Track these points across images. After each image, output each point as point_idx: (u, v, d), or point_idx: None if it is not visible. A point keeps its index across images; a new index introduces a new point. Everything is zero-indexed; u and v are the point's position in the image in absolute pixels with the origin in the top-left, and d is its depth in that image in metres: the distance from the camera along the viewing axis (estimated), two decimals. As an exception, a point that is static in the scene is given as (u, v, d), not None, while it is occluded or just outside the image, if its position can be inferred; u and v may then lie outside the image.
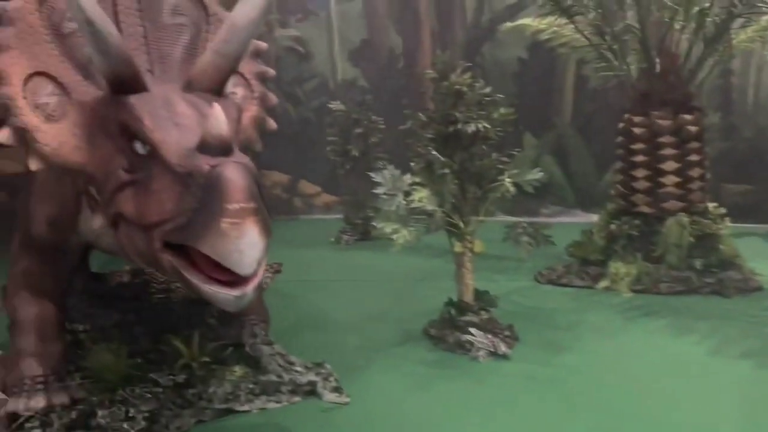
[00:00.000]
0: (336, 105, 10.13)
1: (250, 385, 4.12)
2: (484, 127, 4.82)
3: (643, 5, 6.59)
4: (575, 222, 10.45)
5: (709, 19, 6.37)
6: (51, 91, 3.02)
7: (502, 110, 5.03)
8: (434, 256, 7.78)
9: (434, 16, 12.59)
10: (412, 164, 5.10)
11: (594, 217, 8.30)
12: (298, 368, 4.37)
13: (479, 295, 5.15)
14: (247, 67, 3.74)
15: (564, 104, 12.04)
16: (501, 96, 5.15)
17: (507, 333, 5.01)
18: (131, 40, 3.27)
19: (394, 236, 4.77)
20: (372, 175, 4.92)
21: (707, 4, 6.33)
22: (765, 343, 4.98)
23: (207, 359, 4.21)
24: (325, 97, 12.30)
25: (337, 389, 4.14)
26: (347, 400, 4.02)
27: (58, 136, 2.92)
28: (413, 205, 4.65)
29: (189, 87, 2.97)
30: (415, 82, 12.25)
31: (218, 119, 2.43)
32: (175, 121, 2.68)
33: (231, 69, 3.03)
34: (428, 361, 4.74)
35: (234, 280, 2.49)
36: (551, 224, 8.91)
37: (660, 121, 6.72)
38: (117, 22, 3.27)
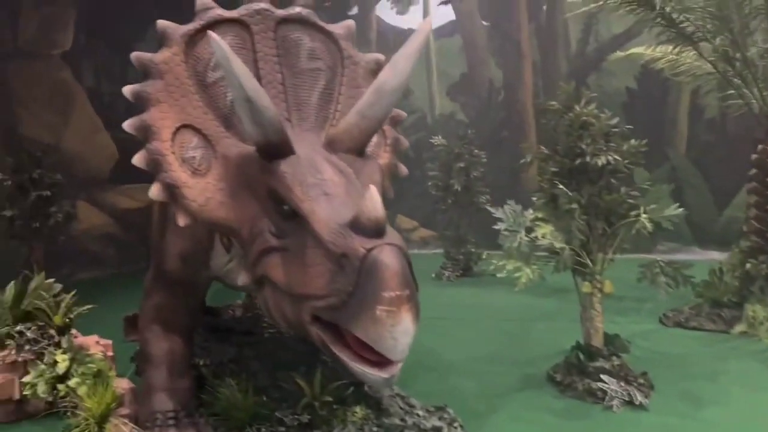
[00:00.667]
0: (438, 140, 10.09)
1: (374, 428, 3.99)
2: (615, 159, 4.55)
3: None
4: (692, 260, 9.77)
5: None
6: (196, 144, 3.07)
7: (633, 142, 4.76)
8: (543, 294, 7.46)
9: (536, 48, 12.38)
10: (533, 199, 4.90)
11: (713, 255, 7.73)
12: (420, 412, 4.20)
13: (609, 339, 4.82)
14: None
15: (677, 135, 11.42)
16: (629, 127, 4.88)
17: (641, 381, 4.64)
18: (270, 88, 3.28)
19: (516, 275, 4.56)
20: (491, 210, 4.76)
21: None
22: None
23: (329, 398, 4.12)
24: (423, 132, 12.32)
25: (462, 437, 3.93)
26: (474, 449, 3.80)
27: (205, 192, 2.97)
28: (539, 243, 4.42)
29: (331, 146, 2.96)
30: (515, 114, 12.03)
31: (374, 201, 2.40)
32: (324, 190, 2.68)
33: (374, 131, 3.03)
34: (556, 409, 4.44)
35: (382, 360, 2.45)
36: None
37: (802, 153, 6.18)
38: (256, 70, 3.30)
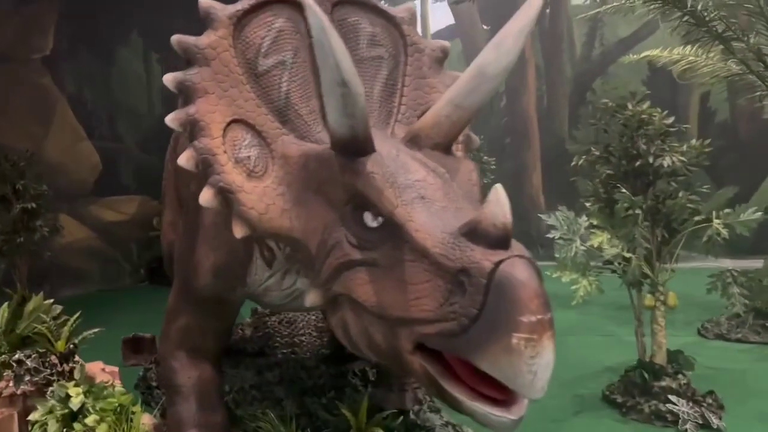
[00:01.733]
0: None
1: (430, 462, 3.58)
2: (680, 160, 4.23)
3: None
4: (715, 267, 9.57)
5: None
6: (250, 141, 2.63)
7: (693, 142, 4.45)
8: (578, 307, 7.10)
9: (539, 52, 12.14)
10: (587, 204, 4.55)
11: (742, 263, 7.46)
12: (478, 442, 3.80)
13: (672, 355, 4.47)
14: None
15: (687, 140, 11.22)
16: (686, 126, 4.57)
17: (710, 401, 4.30)
18: None
19: (573, 287, 4.19)
20: (543, 217, 4.39)
21: None
22: None
23: (377, 429, 3.69)
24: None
25: (535, 470, 3.52)
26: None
27: (264, 198, 2.53)
28: (603, 252, 4.07)
29: (415, 143, 2.52)
30: (519, 120, 11.75)
31: (502, 203, 1.94)
32: (419, 193, 2.23)
33: (467, 124, 2.60)
34: (625, 435, 4.07)
35: (503, 397, 1.99)
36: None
37: None
38: (312, 57, 2.88)
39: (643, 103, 4.59)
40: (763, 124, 8.79)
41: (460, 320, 1.91)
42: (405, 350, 2.12)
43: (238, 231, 2.52)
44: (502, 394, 1.98)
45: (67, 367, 4.07)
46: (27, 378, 3.91)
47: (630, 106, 4.56)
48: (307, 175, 2.53)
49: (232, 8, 2.80)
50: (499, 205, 1.94)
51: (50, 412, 3.33)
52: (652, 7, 7.08)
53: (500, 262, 1.87)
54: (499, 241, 1.94)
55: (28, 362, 4.01)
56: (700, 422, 4.05)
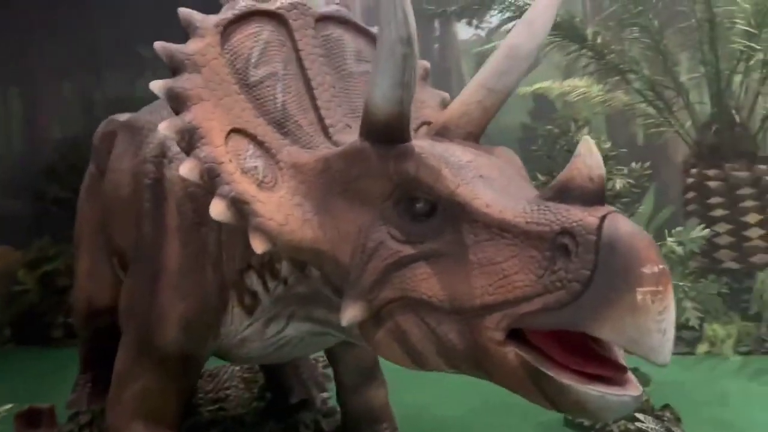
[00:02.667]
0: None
1: None
2: (628, 183, 4.39)
3: (707, 58, 6.53)
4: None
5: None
6: (253, 152, 2.36)
7: (634, 165, 4.65)
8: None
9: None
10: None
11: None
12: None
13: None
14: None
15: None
16: (623, 150, 4.80)
17: (668, 415, 4.42)
18: (322, 91, 2.64)
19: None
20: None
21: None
22: None
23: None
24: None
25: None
26: None
27: (281, 208, 2.23)
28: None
29: (443, 135, 2.31)
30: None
31: (594, 155, 1.77)
32: (477, 172, 2.02)
33: (498, 109, 2.41)
34: (600, 458, 4.05)
35: (605, 375, 1.77)
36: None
37: (736, 173, 6.56)
38: (302, 70, 2.67)
39: (583, 129, 4.74)
40: (667, 149, 9.51)
41: (569, 287, 1.69)
42: (493, 342, 1.84)
43: (259, 245, 2.18)
44: (607, 372, 1.76)
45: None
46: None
47: (572, 132, 4.67)
48: (328, 179, 2.26)
49: (216, 17, 2.57)
50: (592, 157, 1.77)
51: None
52: (552, 41, 7.51)
53: (603, 217, 1.69)
54: (596, 196, 1.76)
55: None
56: (665, 436, 4.13)
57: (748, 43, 6.28)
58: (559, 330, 1.79)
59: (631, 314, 1.60)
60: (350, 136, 2.53)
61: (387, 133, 2.11)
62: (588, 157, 1.77)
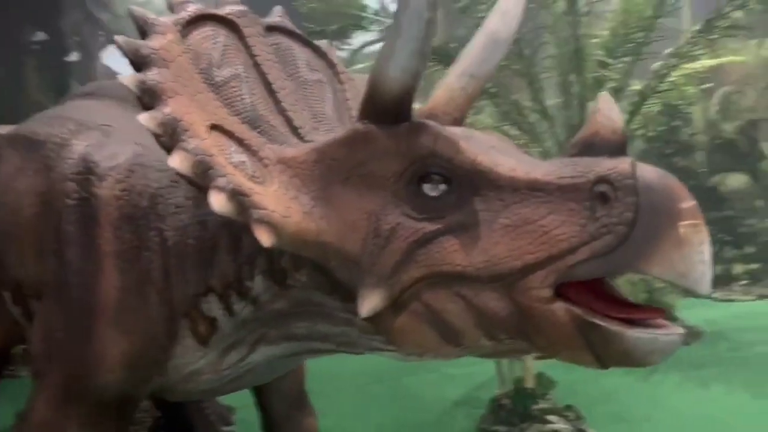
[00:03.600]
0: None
1: None
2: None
3: (567, 85, 7.19)
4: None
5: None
6: (236, 149, 2.17)
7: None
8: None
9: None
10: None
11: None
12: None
13: (537, 378, 4.83)
14: None
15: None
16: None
17: (572, 414, 4.74)
18: (284, 95, 2.52)
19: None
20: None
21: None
22: None
23: None
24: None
25: None
26: None
27: (280, 201, 2.06)
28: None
29: (429, 119, 2.31)
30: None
31: (613, 109, 1.86)
32: (488, 144, 2.03)
33: (479, 94, 2.44)
34: (524, 462, 4.23)
35: (640, 318, 1.81)
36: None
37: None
38: (262, 75, 2.54)
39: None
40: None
41: (616, 230, 1.72)
42: (540, 301, 1.81)
43: (266, 238, 1.98)
44: (646, 315, 1.80)
45: None
46: None
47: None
48: (324, 170, 2.14)
49: (173, 16, 2.41)
50: (612, 111, 1.86)
51: None
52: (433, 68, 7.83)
53: (633, 163, 1.76)
54: (621, 147, 1.84)
55: None
56: (579, 435, 4.44)
57: (601, 72, 7.04)
58: (588, 289, 1.81)
59: (677, 248, 1.68)
60: (323, 136, 2.43)
61: (395, 110, 2.03)
62: (609, 111, 1.85)
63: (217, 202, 1.97)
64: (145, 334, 2.57)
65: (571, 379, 5.86)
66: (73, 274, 2.68)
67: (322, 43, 3.12)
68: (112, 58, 14.00)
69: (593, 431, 4.54)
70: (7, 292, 3.22)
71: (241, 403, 4.82)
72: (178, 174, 2.06)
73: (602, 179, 1.76)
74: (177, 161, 2.02)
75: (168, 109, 2.09)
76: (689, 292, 1.79)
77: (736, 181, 10.58)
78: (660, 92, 7.43)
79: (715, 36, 6.91)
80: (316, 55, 2.98)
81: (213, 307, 2.52)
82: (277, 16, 2.92)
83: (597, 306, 1.80)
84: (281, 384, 3.71)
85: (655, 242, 1.70)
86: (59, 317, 2.73)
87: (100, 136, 2.99)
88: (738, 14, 6.61)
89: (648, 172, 1.79)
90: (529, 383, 4.76)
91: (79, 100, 3.76)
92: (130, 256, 2.62)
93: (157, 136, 2.09)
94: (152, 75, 2.15)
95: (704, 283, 1.71)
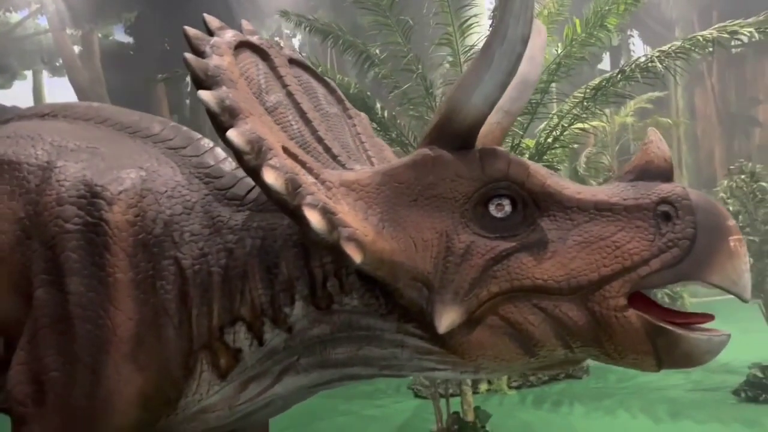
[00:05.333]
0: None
1: None
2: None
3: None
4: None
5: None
6: (304, 171, 2.18)
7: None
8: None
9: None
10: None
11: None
12: None
13: (475, 412, 5.02)
14: None
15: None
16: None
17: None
18: (318, 123, 2.58)
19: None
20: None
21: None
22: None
23: None
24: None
25: None
26: None
27: (356, 221, 2.09)
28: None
29: None
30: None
31: (663, 142, 2.15)
32: (547, 171, 2.23)
33: (509, 128, 2.67)
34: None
35: (692, 322, 2.06)
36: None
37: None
38: (296, 103, 2.58)
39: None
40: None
41: (681, 244, 1.96)
42: (616, 309, 1.99)
43: (357, 255, 2.01)
44: (688, 320, 2.05)
45: None
46: None
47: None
48: (390, 193, 2.20)
49: (226, 39, 2.41)
50: (661, 143, 2.14)
51: None
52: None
53: (684, 188, 2.05)
54: (671, 172, 2.11)
55: None
56: (517, 465, 4.66)
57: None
58: (642, 301, 2.01)
59: (730, 259, 1.95)
60: (360, 165, 2.50)
61: (468, 136, 2.17)
62: (658, 143, 2.14)
63: (314, 219, 1.95)
64: (161, 371, 2.38)
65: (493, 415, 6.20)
66: (77, 306, 2.42)
67: (331, 81, 3.20)
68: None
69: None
70: None
71: None
72: (265, 191, 2.03)
73: (664, 200, 2.01)
74: (271, 178, 1.96)
75: (250, 128, 2.09)
76: (738, 298, 2.02)
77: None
78: (553, 148, 8.15)
79: (603, 102, 7.77)
80: (328, 90, 3.05)
81: (239, 337, 2.40)
82: (291, 49, 2.96)
83: (656, 314, 2.02)
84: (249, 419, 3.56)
85: (712, 254, 1.96)
86: (56, 356, 2.43)
87: (89, 158, 2.79)
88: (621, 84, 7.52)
89: (697, 195, 2.08)
90: (469, 416, 4.94)
91: (36, 120, 3.45)
92: (146, 285, 2.43)
93: (241, 154, 2.04)
94: (226, 93, 2.14)
95: (749, 290, 1.99)
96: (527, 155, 8.30)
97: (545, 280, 2.01)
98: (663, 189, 2.04)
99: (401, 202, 2.15)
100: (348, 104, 3.01)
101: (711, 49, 6.99)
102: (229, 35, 2.41)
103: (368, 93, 8.06)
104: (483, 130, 2.41)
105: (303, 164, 2.17)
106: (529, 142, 8.61)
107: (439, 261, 2.07)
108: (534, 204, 2.09)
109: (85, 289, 2.47)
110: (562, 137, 8.15)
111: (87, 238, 2.50)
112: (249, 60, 2.46)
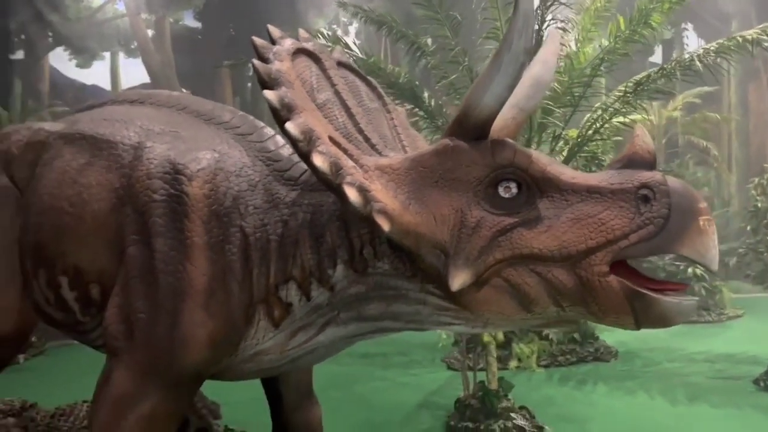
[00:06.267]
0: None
1: None
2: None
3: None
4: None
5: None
6: (346, 156, 2.62)
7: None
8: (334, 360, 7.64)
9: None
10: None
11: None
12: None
13: (499, 381, 5.39)
14: None
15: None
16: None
17: (528, 414, 5.31)
18: (361, 118, 2.99)
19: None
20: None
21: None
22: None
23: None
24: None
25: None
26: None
27: (386, 198, 2.52)
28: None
29: None
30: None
31: (647, 135, 2.50)
32: (548, 158, 2.60)
33: (523, 124, 3.02)
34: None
35: (666, 289, 2.41)
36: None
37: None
38: (343, 101, 3.00)
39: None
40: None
41: (656, 222, 2.31)
42: (599, 275, 2.36)
43: (386, 224, 2.43)
44: (664, 287, 2.39)
45: None
46: None
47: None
48: (417, 175, 2.61)
49: (285, 47, 2.84)
50: (646, 137, 2.50)
51: None
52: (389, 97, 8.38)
53: (663, 175, 2.39)
54: (653, 163, 2.45)
55: None
56: (536, 431, 5.03)
57: (547, 118, 7.88)
58: (626, 270, 2.39)
59: (699, 236, 2.30)
60: (394, 153, 2.91)
61: (482, 129, 2.54)
62: (643, 137, 2.49)
63: (352, 194, 2.40)
64: (227, 318, 2.87)
65: (515, 387, 6.52)
66: (161, 262, 2.93)
67: (372, 80, 3.61)
68: (62, 62, 13.65)
69: (548, 427, 5.12)
70: (64, 278, 3.37)
71: (226, 401, 5.09)
72: (314, 172, 2.48)
73: (645, 185, 2.36)
74: (319, 161, 2.43)
75: (303, 121, 2.53)
76: (705, 268, 2.41)
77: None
78: (594, 140, 8.34)
79: (644, 96, 7.92)
80: (370, 88, 3.46)
81: (291, 293, 2.88)
82: (339, 53, 3.38)
83: (635, 281, 2.39)
84: (294, 377, 4.05)
85: (683, 231, 2.31)
86: (143, 301, 2.95)
87: (172, 140, 3.27)
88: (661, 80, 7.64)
89: (674, 181, 2.41)
90: (493, 384, 5.32)
91: (127, 106, 3.97)
92: (217, 248, 2.92)
93: (296, 141, 2.49)
94: (284, 92, 2.58)
95: (714, 261, 2.34)
96: (569, 146, 8.54)
97: (541, 249, 2.40)
98: (644, 176, 2.38)
99: (425, 183, 2.56)
100: (387, 100, 3.43)
101: (752, 48, 7.03)
102: (288, 43, 2.87)
103: (417, 82, 8.40)
104: (499, 124, 2.80)
105: (345, 151, 2.62)
106: (572, 132, 8.81)
107: (455, 232, 2.49)
108: (536, 187, 2.47)
109: (168, 248, 2.97)
110: (602, 130, 8.33)
111: (171, 207, 3.00)
112: (304, 64, 2.91)
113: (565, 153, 8.44)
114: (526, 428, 4.99)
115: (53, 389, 5.72)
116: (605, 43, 8.03)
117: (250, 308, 2.91)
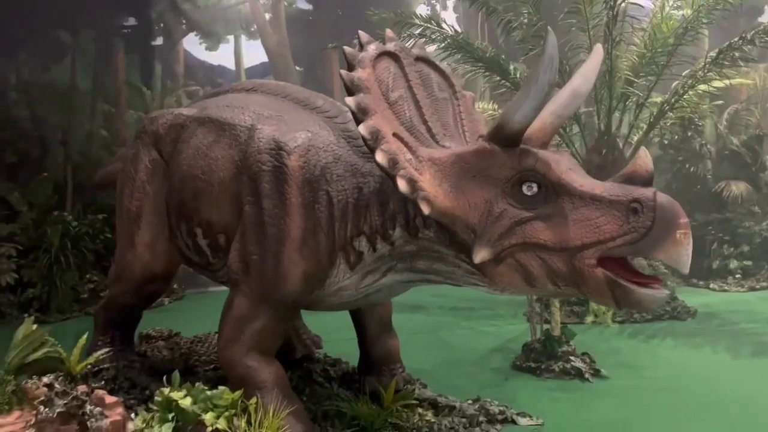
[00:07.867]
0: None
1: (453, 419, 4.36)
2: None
3: (599, 97, 8.20)
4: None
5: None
6: (406, 150, 3.28)
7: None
8: (423, 310, 8.42)
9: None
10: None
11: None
12: (466, 406, 4.67)
13: (562, 329, 5.93)
14: None
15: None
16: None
17: (587, 359, 5.82)
18: (426, 108, 3.60)
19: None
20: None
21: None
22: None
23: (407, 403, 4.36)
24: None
25: (523, 414, 4.54)
26: (541, 421, 4.46)
27: (431, 187, 3.17)
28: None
29: (527, 143, 3.29)
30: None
31: (647, 156, 2.98)
32: (566, 166, 3.10)
33: (558, 129, 3.54)
34: (551, 387, 5.37)
35: (648, 283, 2.95)
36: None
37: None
38: (413, 94, 3.61)
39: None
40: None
41: (639, 231, 2.82)
42: (589, 266, 2.92)
43: (426, 209, 3.10)
44: (646, 281, 2.93)
45: (87, 389, 3.89)
46: (58, 402, 3.65)
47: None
48: (459, 169, 3.20)
49: (368, 54, 3.44)
50: (647, 158, 2.97)
51: (152, 418, 3.27)
52: (477, 70, 8.83)
53: (654, 192, 2.87)
54: (649, 181, 2.94)
55: (57, 385, 3.74)
56: (592, 372, 5.54)
57: (628, 88, 8.04)
58: (617, 263, 2.96)
59: (675, 245, 2.81)
60: (451, 142, 3.54)
61: (513, 139, 3.14)
62: (644, 158, 2.99)
63: (402, 185, 3.13)
64: (316, 260, 3.72)
65: (585, 338, 6.98)
66: (268, 216, 3.82)
67: (446, 68, 4.20)
68: (193, 46, 15.21)
69: (605, 370, 5.62)
70: (199, 229, 4.35)
71: (327, 338, 5.98)
72: (377, 164, 3.19)
73: (636, 200, 2.90)
74: (380, 158, 3.16)
75: (372, 122, 3.22)
76: (677, 271, 2.93)
77: (738, 188, 11.48)
78: (677, 107, 8.38)
79: (727, 63, 7.84)
80: (442, 78, 4.06)
81: (362, 244, 3.66)
82: (417, 49, 3.97)
83: (621, 273, 2.97)
84: (377, 311, 4.88)
85: (662, 240, 2.83)
86: (255, 246, 3.87)
87: (277, 123, 4.10)
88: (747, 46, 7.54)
89: (663, 197, 2.92)
90: (556, 332, 5.87)
91: (244, 94, 4.86)
92: (309, 207, 3.75)
93: (366, 140, 3.21)
94: (362, 98, 3.26)
95: (686, 266, 2.85)
96: (654, 110, 8.61)
97: (546, 240, 3.03)
98: (638, 192, 2.94)
99: (465, 176, 3.24)
100: (458, 87, 4.02)
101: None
102: (372, 48, 3.53)
103: (503, 56, 8.79)
104: (537, 127, 3.41)
105: (406, 144, 3.31)
106: (657, 97, 8.86)
107: (483, 218, 3.17)
108: (552, 189, 3.08)
109: (272, 207, 3.82)
110: (686, 96, 8.34)
111: (275, 175, 3.85)
112: (384, 65, 3.58)
113: (651, 119, 8.55)
114: (583, 369, 5.52)
115: (191, 324, 6.78)
116: (688, 12, 7.99)
117: (333, 254, 3.73)
